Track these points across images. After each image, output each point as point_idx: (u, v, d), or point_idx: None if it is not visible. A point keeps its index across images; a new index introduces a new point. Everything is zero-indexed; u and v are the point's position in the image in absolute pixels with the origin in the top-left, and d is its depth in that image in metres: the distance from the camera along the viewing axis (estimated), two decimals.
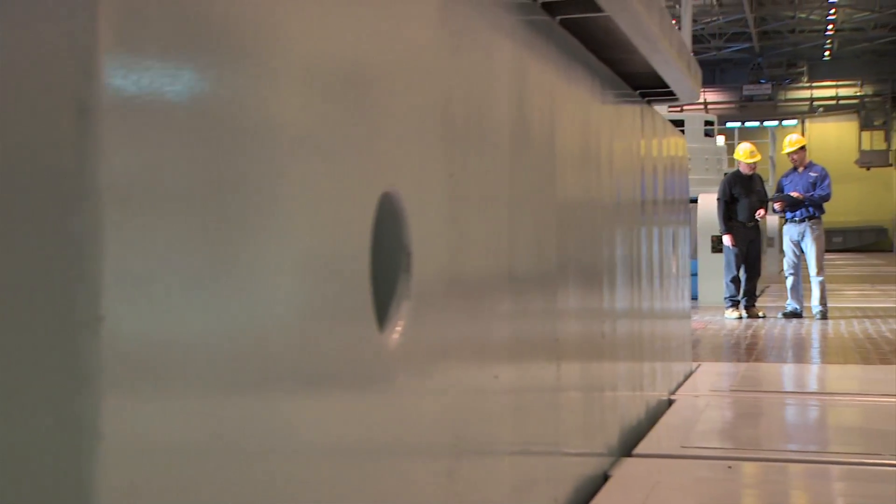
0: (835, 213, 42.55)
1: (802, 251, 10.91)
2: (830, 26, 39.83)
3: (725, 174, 12.68)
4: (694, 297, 13.27)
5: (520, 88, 2.60)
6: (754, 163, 11.22)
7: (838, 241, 42.67)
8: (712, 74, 46.05)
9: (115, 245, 0.98)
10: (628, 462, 3.71)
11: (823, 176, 10.76)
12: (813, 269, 10.77)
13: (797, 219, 10.83)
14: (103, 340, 0.94)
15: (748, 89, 45.23)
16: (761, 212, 11.21)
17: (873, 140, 45.67)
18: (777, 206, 10.95)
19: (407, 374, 1.81)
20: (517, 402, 2.55)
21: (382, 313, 1.76)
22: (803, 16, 38.72)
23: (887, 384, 5.88)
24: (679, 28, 5.18)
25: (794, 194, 10.70)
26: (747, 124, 42.26)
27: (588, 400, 3.43)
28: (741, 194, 11.15)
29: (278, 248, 1.34)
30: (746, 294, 11.32)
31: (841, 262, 29.44)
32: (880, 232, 44.43)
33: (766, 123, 44.05)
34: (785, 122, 46.36)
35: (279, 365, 1.33)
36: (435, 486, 1.95)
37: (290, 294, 1.38)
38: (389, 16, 1.78)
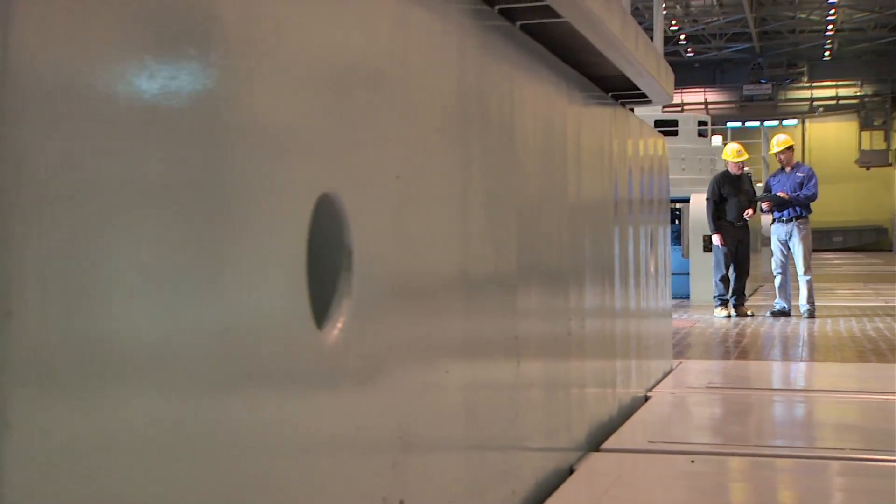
0: (835, 212, 42.74)
1: (790, 250, 10.99)
2: (830, 27, 39.88)
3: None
4: (686, 296, 13.36)
5: (476, 91, 2.66)
6: (742, 162, 11.31)
7: (839, 241, 42.78)
8: (712, 74, 46.11)
9: (27, 243, 1.03)
10: (595, 456, 3.78)
11: (810, 176, 10.84)
12: (800, 269, 10.85)
13: (784, 218, 10.92)
14: (11, 335, 1.01)
15: (748, 89, 45.27)
16: (749, 211, 11.30)
17: (873, 140, 45.73)
18: (764, 205, 11.04)
19: (348, 368, 1.87)
20: (471, 397, 2.61)
21: (323, 311, 1.83)
22: (803, 16, 38.76)
23: (861, 381, 5.96)
24: (655, 32, 5.25)
25: (781, 194, 10.79)
26: (748, 124, 42.30)
27: (552, 396, 3.49)
28: (730, 194, 11.25)
29: (208, 248, 1.40)
30: (735, 293, 11.40)
31: (839, 262, 29.46)
32: (880, 231, 44.49)
33: (766, 123, 44.08)
34: (785, 122, 46.42)
35: (208, 362, 1.38)
36: (378, 476, 2.00)
37: (221, 293, 1.43)
38: (343, 17, 1.85)
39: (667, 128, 15.00)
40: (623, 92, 4.63)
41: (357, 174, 1.92)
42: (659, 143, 5.97)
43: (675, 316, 11.29)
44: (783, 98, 46.54)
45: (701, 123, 15.58)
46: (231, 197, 1.46)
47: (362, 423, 1.93)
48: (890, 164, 44.85)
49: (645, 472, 3.63)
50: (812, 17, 38.95)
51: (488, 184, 2.79)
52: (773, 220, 11.07)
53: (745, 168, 11.67)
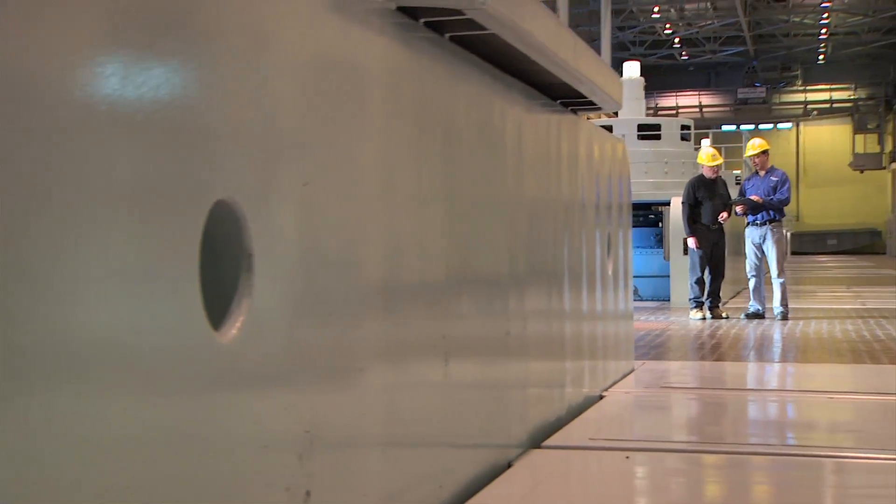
0: (829, 215, 42.65)
1: (764, 253, 11.11)
2: (824, 30, 40.04)
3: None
4: (667, 299, 13.50)
5: (401, 98, 2.77)
6: (717, 166, 11.44)
7: (833, 244, 42.96)
8: (707, 78, 46.30)
9: None
10: (534, 453, 3.88)
11: (784, 180, 10.97)
12: (774, 271, 10.98)
13: (758, 222, 11.04)
14: None
15: (743, 92, 45.44)
16: (724, 215, 11.42)
17: (867, 143, 45.88)
18: (738, 209, 11.15)
19: (247, 366, 1.96)
20: (391, 394, 2.70)
21: (222, 311, 1.93)
22: (797, 20, 38.91)
23: (816, 380, 6.08)
24: (602, 41, 5.36)
25: (754, 198, 10.91)
26: (742, 127, 42.41)
27: (488, 395, 3.58)
28: (705, 197, 11.38)
29: (98, 250, 1.48)
30: (711, 295, 11.53)
31: (831, 264, 29.56)
32: (874, 234, 44.65)
33: (761, 126, 44.31)
34: (780, 125, 46.59)
35: (100, 363, 1.47)
36: (282, 468, 2.09)
37: (110, 294, 1.52)
38: (257, 23, 1.96)
39: (650, 132, 15.13)
40: (573, 99, 4.74)
41: (258, 181, 2.01)
42: (618, 147, 6.07)
43: (651, 318, 11.41)
44: (777, 101, 46.70)
45: (684, 128, 15.70)
46: (122, 199, 1.55)
47: (263, 417, 2.00)
48: (883, 168, 44.99)
49: (579, 466, 3.75)
50: (806, 21, 39.11)
51: (415, 187, 2.88)
52: (748, 224, 11.19)
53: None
